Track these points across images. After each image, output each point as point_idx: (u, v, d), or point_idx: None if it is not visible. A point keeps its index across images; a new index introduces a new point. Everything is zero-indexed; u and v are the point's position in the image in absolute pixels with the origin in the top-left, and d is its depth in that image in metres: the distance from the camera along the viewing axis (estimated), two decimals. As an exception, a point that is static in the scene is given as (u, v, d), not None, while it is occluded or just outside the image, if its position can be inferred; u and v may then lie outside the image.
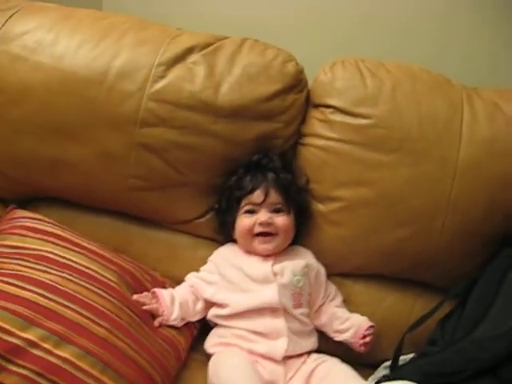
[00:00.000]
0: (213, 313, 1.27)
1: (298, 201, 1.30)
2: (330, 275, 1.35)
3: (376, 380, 1.25)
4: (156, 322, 1.20)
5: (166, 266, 1.37)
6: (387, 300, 1.35)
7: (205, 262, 1.32)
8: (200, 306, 1.28)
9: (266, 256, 1.27)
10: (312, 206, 1.33)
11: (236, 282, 1.25)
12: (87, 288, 1.10)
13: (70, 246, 1.20)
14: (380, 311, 1.34)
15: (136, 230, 1.41)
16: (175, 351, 1.18)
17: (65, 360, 0.96)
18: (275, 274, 1.24)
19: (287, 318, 1.22)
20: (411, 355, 1.26)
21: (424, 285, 1.35)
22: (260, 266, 1.26)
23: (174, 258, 1.38)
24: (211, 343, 1.26)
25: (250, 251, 1.29)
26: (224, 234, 1.35)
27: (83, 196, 1.38)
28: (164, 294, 1.24)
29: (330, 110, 1.30)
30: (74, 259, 1.16)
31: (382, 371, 1.29)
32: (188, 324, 1.27)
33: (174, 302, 1.23)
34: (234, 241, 1.33)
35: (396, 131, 1.25)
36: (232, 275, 1.26)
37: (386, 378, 1.24)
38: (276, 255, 1.28)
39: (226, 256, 1.31)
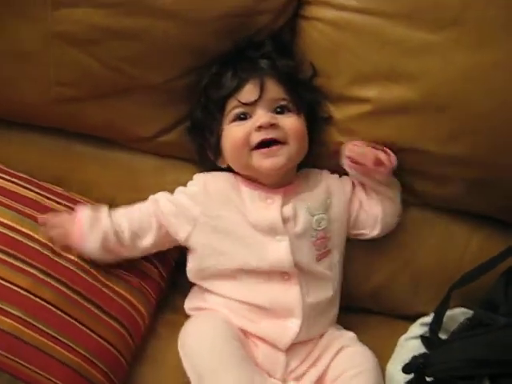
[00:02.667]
0: (192, 267, 0.91)
1: (307, 97, 0.88)
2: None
3: (409, 337, 0.97)
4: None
5: (126, 196, 0.96)
6: (432, 236, 0.97)
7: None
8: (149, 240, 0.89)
9: (272, 190, 0.88)
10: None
11: (229, 228, 0.87)
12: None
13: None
14: (422, 250, 0.97)
15: (83, 151, 1.02)
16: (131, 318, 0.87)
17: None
18: (286, 220, 0.86)
19: (305, 282, 0.86)
20: (458, 310, 0.95)
21: (484, 217, 0.96)
22: (264, 209, 0.87)
23: (136, 186, 1.00)
24: (190, 305, 0.93)
25: (249, 180, 0.89)
26: (205, 163, 0.94)
27: (4, 110, 0.99)
28: (84, 214, 0.87)
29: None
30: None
31: (417, 329, 0.97)
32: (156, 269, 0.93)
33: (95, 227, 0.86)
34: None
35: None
36: (225, 217, 0.88)
37: (424, 340, 0.93)
38: (286, 188, 0.89)
39: (215, 186, 0.91)
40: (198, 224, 0.87)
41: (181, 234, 0.88)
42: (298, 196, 0.89)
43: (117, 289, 0.87)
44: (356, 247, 0.97)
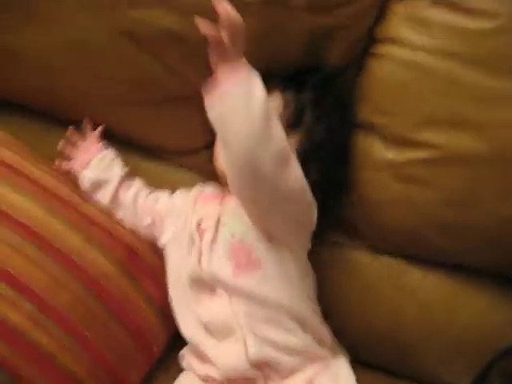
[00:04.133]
0: None
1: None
2: (392, 255, 0.92)
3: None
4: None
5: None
6: (472, 302, 0.90)
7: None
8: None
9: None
10: (375, 152, 0.87)
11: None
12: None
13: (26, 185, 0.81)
14: (460, 318, 0.90)
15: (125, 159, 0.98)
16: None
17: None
18: (198, 225, 0.82)
19: (233, 297, 0.78)
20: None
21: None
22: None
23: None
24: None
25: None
26: None
27: (49, 103, 0.97)
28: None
29: (425, 1, 0.81)
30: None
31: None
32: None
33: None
34: None
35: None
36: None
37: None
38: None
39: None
40: None
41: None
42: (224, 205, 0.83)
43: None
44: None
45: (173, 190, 0.95)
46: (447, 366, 0.92)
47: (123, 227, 0.89)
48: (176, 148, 0.97)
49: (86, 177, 0.90)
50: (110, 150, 0.94)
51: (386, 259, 0.93)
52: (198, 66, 0.84)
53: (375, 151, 0.87)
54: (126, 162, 0.96)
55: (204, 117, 0.70)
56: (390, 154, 0.86)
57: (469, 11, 0.78)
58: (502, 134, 0.78)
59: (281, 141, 0.67)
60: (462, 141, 0.80)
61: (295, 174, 0.70)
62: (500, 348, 0.85)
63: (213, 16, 0.63)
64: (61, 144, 0.93)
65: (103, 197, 0.90)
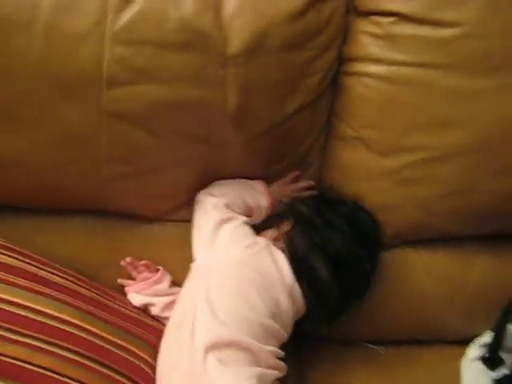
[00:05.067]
0: None
1: None
2: (400, 245, 1.01)
3: (469, 360, 1.01)
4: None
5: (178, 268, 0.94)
6: (478, 264, 1.02)
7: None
8: None
9: None
10: (372, 163, 0.94)
11: None
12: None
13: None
14: (472, 279, 1.02)
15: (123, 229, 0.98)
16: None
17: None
18: None
19: None
20: None
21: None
22: None
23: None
24: None
25: None
26: None
27: (42, 200, 0.94)
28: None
29: (391, 18, 0.86)
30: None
31: (475, 351, 1.02)
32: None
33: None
34: None
35: (496, 41, 0.84)
36: None
37: (486, 361, 0.99)
38: None
39: None
40: None
41: None
42: None
43: (119, 342, 0.81)
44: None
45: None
46: (467, 323, 1.04)
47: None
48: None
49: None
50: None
51: (396, 250, 1.01)
52: (189, 129, 0.87)
53: (371, 162, 0.93)
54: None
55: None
56: (387, 162, 0.93)
57: (434, 23, 0.85)
58: (485, 125, 0.87)
59: None
60: (451, 138, 0.89)
61: None
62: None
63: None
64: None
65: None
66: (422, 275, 1.01)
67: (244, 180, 0.94)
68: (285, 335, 0.83)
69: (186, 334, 0.76)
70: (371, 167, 0.93)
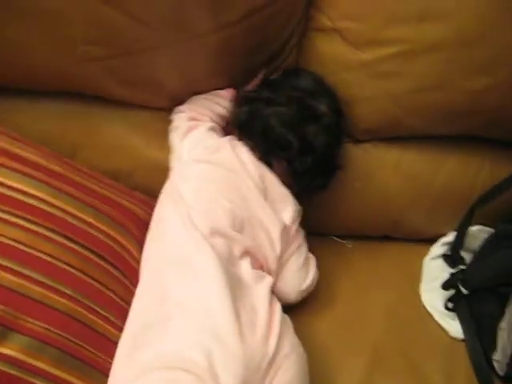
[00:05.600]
0: None
1: None
2: (372, 141, 1.02)
3: (432, 258, 1.06)
4: None
5: (153, 155, 0.99)
6: (447, 164, 1.04)
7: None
8: None
9: None
10: (347, 55, 0.93)
11: None
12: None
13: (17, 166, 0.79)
14: (439, 179, 1.04)
15: (102, 113, 0.98)
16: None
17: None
18: None
19: None
20: (477, 227, 1.03)
21: (494, 142, 1.03)
22: None
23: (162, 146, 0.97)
24: None
25: None
26: None
27: (14, 78, 0.93)
28: None
29: None
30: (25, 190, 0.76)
31: (439, 249, 1.07)
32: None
33: None
34: None
35: None
36: None
37: (447, 258, 1.04)
38: None
39: None
40: None
41: None
42: None
43: (105, 229, 0.82)
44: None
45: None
46: (433, 222, 1.07)
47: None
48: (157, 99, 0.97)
49: None
50: None
51: (367, 145, 1.03)
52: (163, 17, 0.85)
53: (347, 54, 0.93)
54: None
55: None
56: (362, 55, 0.92)
57: None
58: (461, 21, 0.86)
59: None
60: (427, 32, 0.88)
61: None
62: (477, 197, 1.01)
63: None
64: None
65: None
66: (390, 172, 1.03)
67: (213, 91, 0.96)
68: None
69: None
70: (347, 59, 0.93)
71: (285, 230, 0.86)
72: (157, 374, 0.67)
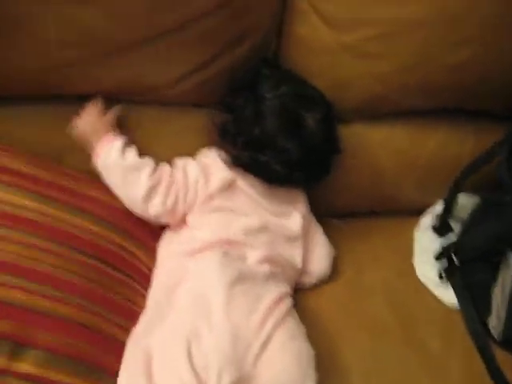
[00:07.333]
0: None
1: None
2: (353, 121, 1.04)
3: (422, 229, 1.08)
4: None
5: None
6: (433, 137, 1.06)
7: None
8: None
9: None
10: (328, 37, 0.93)
11: None
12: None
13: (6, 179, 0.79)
14: (426, 152, 1.06)
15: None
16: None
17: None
18: None
19: None
20: (464, 196, 1.05)
21: (477, 113, 1.05)
22: None
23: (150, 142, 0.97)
24: None
25: None
26: None
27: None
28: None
29: None
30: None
31: (428, 220, 1.09)
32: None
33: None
34: None
35: None
36: None
37: (436, 229, 1.06)
38: None
39: None
40: None
41: None
42: None
43: (105, 234, 0.84)
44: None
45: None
46: (422, 192, 1.10)
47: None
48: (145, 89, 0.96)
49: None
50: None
51: (354, 125, 1.04)
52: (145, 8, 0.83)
53: (329, 37, 0.93)
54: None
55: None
56: (344, 37, 0.92)
57: None
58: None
59: None
60: (407, 11, 0.88)
61: None
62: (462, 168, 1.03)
63: None
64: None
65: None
66: (379, 148, 1.05)
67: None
68: None
69: None
70: (329, 42, 0.93)
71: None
72: None
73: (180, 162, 0.93)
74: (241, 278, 0.79)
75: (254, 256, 0.85)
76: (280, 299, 0.80)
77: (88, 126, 0.90)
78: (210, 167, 0.91)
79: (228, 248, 0.84)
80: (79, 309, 0.73)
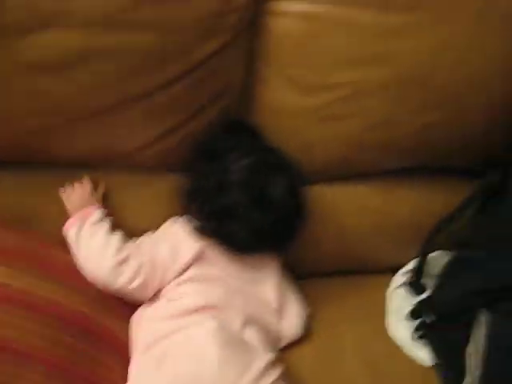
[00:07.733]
0: None
1: None
2: (321, 181, 1.04)
3: (394, 288, 1.07)
4: None
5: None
6: (403, 195, 1.07)
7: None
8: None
9: None
10: (292, 101, 0.95)
11: None
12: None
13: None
14: (396, 210, 1.07)
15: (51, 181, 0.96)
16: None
17: None
18: None
19: None
20: (436, 253, 1.06)
21: (446, 170, 1.06)
22: None
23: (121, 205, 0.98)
24: None
25: None
26: None
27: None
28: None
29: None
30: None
31: (400, 278, 1.09)
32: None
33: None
34: None
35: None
36: None
37: (412, 285, 1.05)
38: None
39: None
40: None
41: None
42: None
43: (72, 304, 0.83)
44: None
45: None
46: (396, 251, 1.09)
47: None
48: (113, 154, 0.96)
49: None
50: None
51: (321, 186, 1.05)
52: (111, 76, 0.85)
53: (295, 101, 0.94)
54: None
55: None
56: (310, 100, 0.93)
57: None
58: (405, 61, 0.89)
59: None
60: (372, 73, 0.90)
61: None
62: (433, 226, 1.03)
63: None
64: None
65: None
66: (346, 207, 1.05)
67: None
68: None
69: None
70: (295, 106, 0.94)
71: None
72: None
73: (147, 240, 0.93)
74: (231, 342, 0.81)
75: (237, 320, 0.86)
76: (267, 368, 0.81)
77: (78, 199, 0.92)
78: (178, 239, 0.91)
79: (214, 312, 0.85)
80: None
